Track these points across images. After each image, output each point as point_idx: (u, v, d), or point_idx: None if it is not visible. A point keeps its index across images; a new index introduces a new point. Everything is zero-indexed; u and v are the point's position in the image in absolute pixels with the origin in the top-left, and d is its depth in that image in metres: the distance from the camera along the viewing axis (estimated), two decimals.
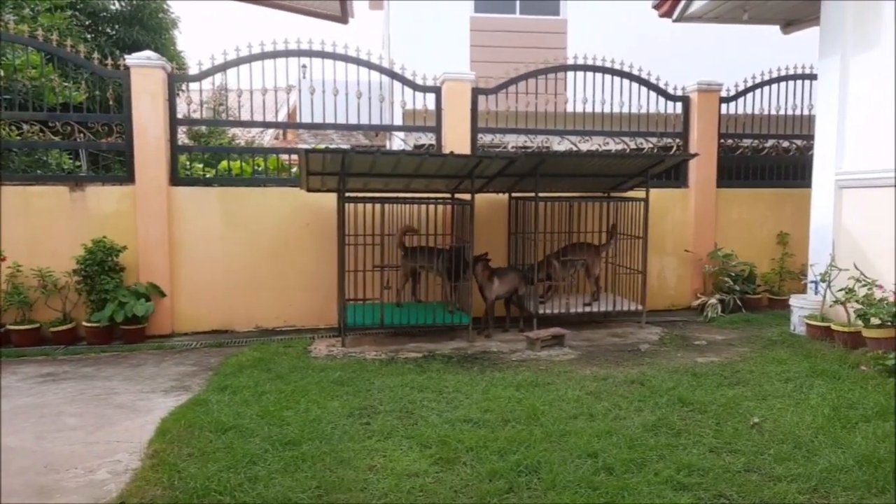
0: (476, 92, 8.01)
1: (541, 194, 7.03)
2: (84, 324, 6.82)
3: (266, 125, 7.47)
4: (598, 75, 8.39)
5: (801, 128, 9.06)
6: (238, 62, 7.28)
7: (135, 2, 14.09)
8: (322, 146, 6.43)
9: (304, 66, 8.29)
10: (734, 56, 10.26)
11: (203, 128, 13.62)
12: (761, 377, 5.24)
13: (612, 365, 5.74)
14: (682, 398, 4.65)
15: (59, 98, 7.19)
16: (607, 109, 8.35)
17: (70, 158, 7.83)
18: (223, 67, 7.28)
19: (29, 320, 6.77)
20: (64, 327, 6.81)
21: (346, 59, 7.57)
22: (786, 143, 9.18)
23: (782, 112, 8.95)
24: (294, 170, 8.20)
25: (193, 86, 7.36)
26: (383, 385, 5.05)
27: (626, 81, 8.47)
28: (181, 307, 7.28)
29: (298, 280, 7.48)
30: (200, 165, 7.72)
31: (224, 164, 7.75)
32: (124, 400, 4.90)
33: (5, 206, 6.81)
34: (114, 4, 14.17)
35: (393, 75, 7.82)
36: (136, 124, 6.95)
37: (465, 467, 3.58)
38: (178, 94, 7.25)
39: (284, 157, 7.94)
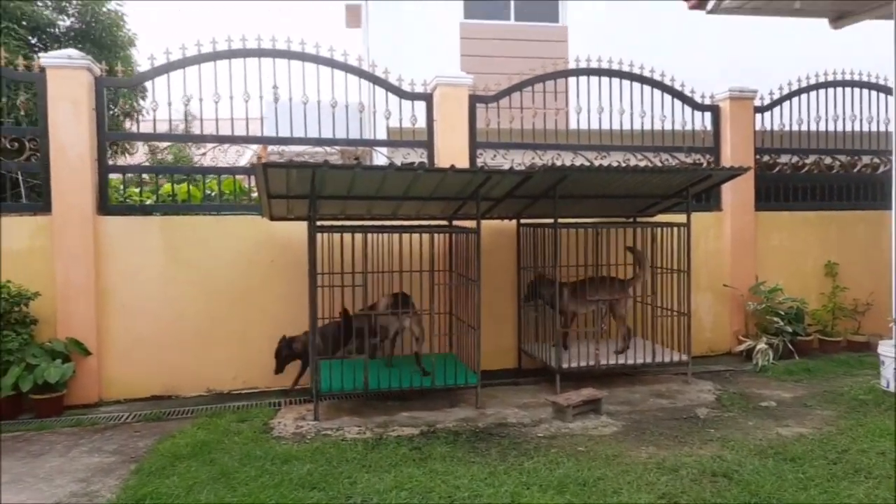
0: (474, 99, 6.74)
1: (559, 220, 5.72)
2: None
3: (220, 140, 6.09)
4: (615, 82, 7.20)
5: (845, 142, 7.92)
6: (184, 63, 5.92)
7: (87, 17, 12.77)
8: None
9: (276, 88, 7.01)
10: (756, 73, 9.11)
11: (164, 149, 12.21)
12: (882, 460, 3.88)
13: (671, 442, 4.34)
14: None
15: None
16: (626, 122, 7.13)
17: None
18: (166, 69, 5.90)
19: None
20: None
21: (316, 59, 6.25)
22: (828, 160, 8.01)
23: (822, 124, 7.81)
24: (255, 193, 6.79)
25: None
26: (369, 488, 3.59)
27: (646, 89, 7.29)
28: (111, 368, 5.76)
29: (262, 331, 6.00)
30: (137, 190, 6.27)
31: (167, 187, 6.33)
32: None
33: None
34: (63, 20, 12.84)
35: (375, 80, 6.52)
36: (54, 139, 5.51)
37: None
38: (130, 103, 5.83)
39: (242, 177, 6.52)
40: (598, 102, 7.06)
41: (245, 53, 6.05)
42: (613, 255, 6.55)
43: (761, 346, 6.66)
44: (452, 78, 6.66)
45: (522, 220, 6.55)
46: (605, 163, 7.12)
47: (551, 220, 5.71)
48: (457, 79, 6.68)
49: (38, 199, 5.80)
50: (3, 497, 3.74)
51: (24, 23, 11.68)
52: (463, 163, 6.51)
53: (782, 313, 6.95)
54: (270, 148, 8.35)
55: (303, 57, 6.21)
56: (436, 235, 6.10)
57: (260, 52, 6.08)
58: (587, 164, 7.03)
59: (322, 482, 3.68)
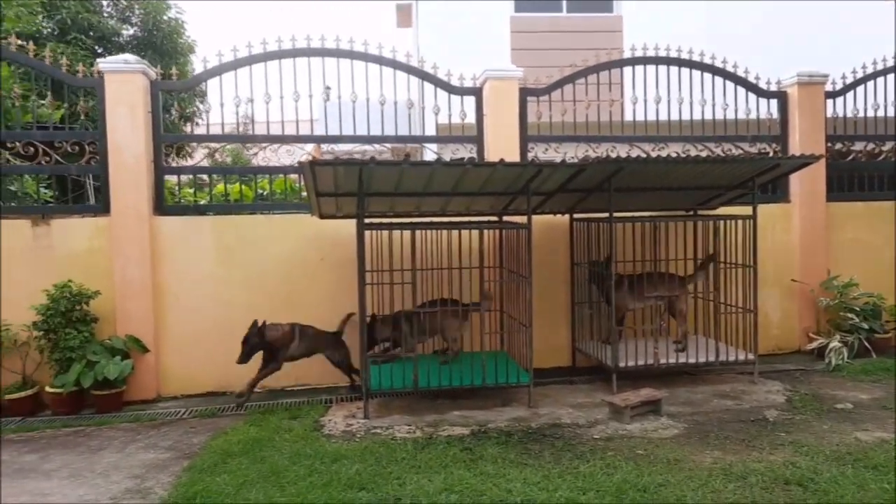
0: (525, 93, 6.57)
1: (615, 214, 5.49)
2: (47, 389, 5.48)
3: (271, 139, 6.13)
4: (673, 70, 6.88)
5: None
6: (236, 65, 5.99)
7: (149, 26, 13.25)
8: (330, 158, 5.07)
9: (328, 88, 7.03)
10: (827, 59, 8.57)
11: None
12: None
13: (738, 446, 4.07)
14: None
15: (23, 114, 5.95)
16: (685, 111, 6.82)
17: (43, 187, 6.60)
18: (219, 71, 5.98)
19: None
20: (23, 394, 5.47)
21: (365, 57, 6.22)
22: None
23: None
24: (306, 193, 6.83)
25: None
26: (418, 489, 3.49)
27: (706, 77, 6.95)
28: (168, 365, 5.88)
29: None
30: (191, 190, 6.38)
31: (220, 188, 6.42)
32: None
33: None
34: (127, 29, 13.34)
35: (424, 76, 6.44)
36: (111, 142, 5.66)
37: None
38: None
39: (294, 177, 6.59)
40: (655, 92, 6.78)
41: (294, 53, 6.07)
42: (672, 250, 6.27)
43: (835, 343, 6.24)
44: (502, 71, 6.51)
45: (575, 215, 6.35)
46: (664, 154, 6.84)
47: (606, 215, 5.50)
48: (506, 72, 6.53)
49: (69, 201, 6.00)
50: (63, 490, 3.83)
51: (90, 33, 12.19)
52: (513, 157, 6.35)
53: (857, 309, 6.51)
54: (323, 147, 8.41)
55: (351, 55, 6.18)
56: (486, 231, 5.95)
57: (309, 52, 6.09)
58: (643, 155, 6.77)
59: (371, 483, 3.61)
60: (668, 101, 6.82)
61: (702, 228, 6.27)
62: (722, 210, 6.49)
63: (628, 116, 7.00)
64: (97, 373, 5.33)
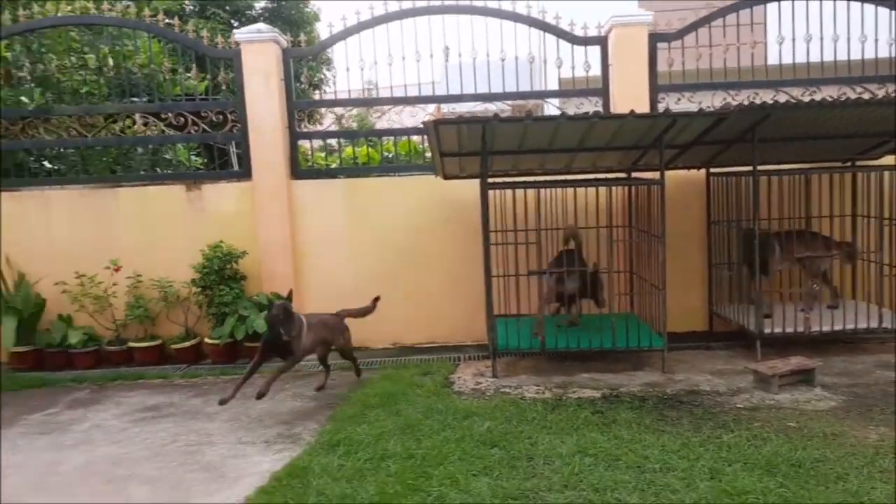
0: (654, 38, 6.15)
1: (759, 167, 5.06)
2: (206, 340, 6.05)
3: (394, 101, 6.24)
4: (827, 5, 6.11)
5: None
6: (359, 28, 6.08)
7: None
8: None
9: (447, 48, 6.98)
10: None
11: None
12: None
13: None
14: None
15: (172, 86, 6.44)
16: (841, 50, 6.07)
17: (194, 155, 7.17)
18: (343, 36, 6.11)
19: (151, 336, 6.14)
20: (187, 344, 6.09)
21: (485, 12, 6.08)
22: None
23: None
24: (429, 154, 6.89)
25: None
26: (550, 450, 3.49)
27: (868, 9, 6.12)
28: None
29: (440, 288, 6.14)
30: (323, 154, 6.65)
31: (349, 151, 6.63)
32: (215, 456, 3.82)
33: (124, 210, 6.21)
34: (258, 1, 14.03)
35: (545, 27, 6.20)
36: (250, 110, 6.01)
37: None
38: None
39: (417, 139, 6.66)
40: (804, 30, 6.08)
41: (414, 13, 6.07)
42: (826, 206, 5.68)
43: None
44: (629, 17, 6.12)
45: (713, 169, 5.92)
46: (816, 98, 6.17)
47: (748, 168, 5.07)
48: (634, 17, 6.14)
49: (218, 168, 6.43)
50: (223, 432, 4.22)
51: (226, 7, 12.97)
52: (642, 109, 5.97)
53: None
54: (443, 107, 8.43)
55: (470, 10, 6.08)
56: (614, 188, 5.69)
57: (428, 10, 6.07)
58: (792, 101, 6.14)
59: (502, 440, 3.66)
60: (821, 40, 6.10)
61: (862, 181, 5.61)
62: (887, 160, 5.77)
63: (772, 59, 6.38)
64: (248, 326, 5.79)
